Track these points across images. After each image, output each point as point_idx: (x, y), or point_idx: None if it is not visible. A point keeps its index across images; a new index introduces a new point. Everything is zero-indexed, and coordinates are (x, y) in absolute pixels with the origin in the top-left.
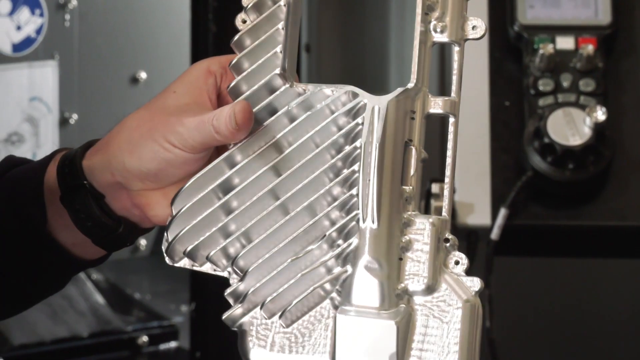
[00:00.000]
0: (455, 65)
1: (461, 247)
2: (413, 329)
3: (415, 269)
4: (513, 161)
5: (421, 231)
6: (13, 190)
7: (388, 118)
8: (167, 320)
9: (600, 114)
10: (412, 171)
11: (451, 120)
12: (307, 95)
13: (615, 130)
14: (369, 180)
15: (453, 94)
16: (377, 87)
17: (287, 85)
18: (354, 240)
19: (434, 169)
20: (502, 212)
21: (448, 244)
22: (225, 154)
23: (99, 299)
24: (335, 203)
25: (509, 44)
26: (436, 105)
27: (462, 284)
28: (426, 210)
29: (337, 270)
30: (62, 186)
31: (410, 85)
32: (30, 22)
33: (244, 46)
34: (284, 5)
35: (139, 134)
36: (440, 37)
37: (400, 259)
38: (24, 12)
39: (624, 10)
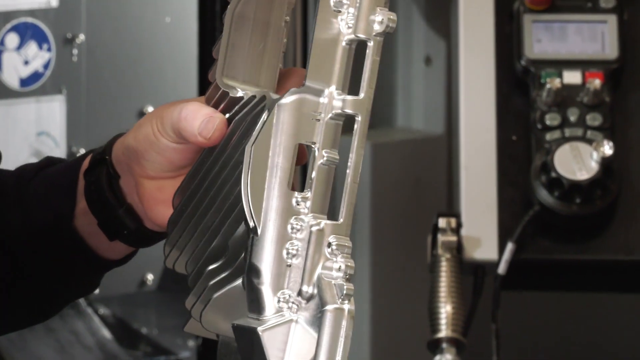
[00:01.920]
0: (366, 63)
1: (468, 282)
2: (287, 336)
3: (298, 276)
4: (520, 195)
5: (305, 236)
6: (47, 186)
7: (272, 121)
8: (174, 355)
9: (607, 149)
10: (313, 174)
11: (357, 119)
12: (237, 107)
13: (622, 165)
14: (244, 185)
15: (362, 93)
16: (383, 122)
17: (222, 90)
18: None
19: (441, 204)
20: (509, 247)
21: (330, 249)
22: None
23: (106, 333)
24: (235, 212)
25: (516, 78)
26: (343, 105)
27: (333, 291)
28: (433, 245)
29: (237, 282)
30: (90, 161)
31: (305, 83)
32: (37, 57)
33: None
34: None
35: (147, 116)
36: (350, 34)
37: (289, 265)
38: (32, 47)
39: (631, 44)
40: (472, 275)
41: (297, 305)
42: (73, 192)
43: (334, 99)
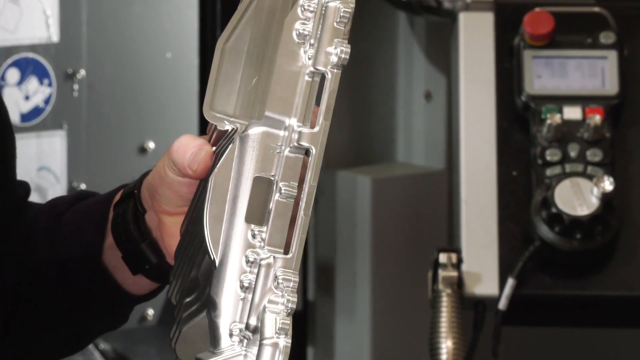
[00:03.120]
0: (323, 95)
1: (468, 317)
2: None
3: (248, 308)
4: (521, 231)
5: (256, 270)
6: (79, 220)
7: (234, 153)
8: None
9: (608, 184)
10: (270, 207)
11: (311, 152)
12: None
13: (622, 200)
14: (205, 214)
15: (317, 126)
16: (383, 157)
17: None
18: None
19: (441, 239)
20: (510, 282)
21: (276, 283)
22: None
23: None
24: (203, 244)
25: (517, 114)
26: (299, 138)
27: (273, 325)
28: (434, 281)
29: (201, 315)
30: (121, 195)
31: (269, 114)
32: (38, 92)
33: None
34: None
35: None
36: (310, 66)
37: (242, 298)
38: (33, 82)
39: (631, 80)
40: (472, 311)
41: (248, 339)
42: (103, 226)
43: (293, 132)
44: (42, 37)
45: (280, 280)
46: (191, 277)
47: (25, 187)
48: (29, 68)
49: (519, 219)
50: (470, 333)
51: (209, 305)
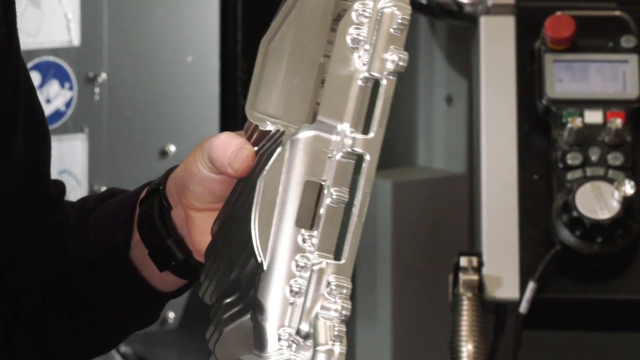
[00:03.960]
0: (378, 101)
1: (489, 321)
2: None
3: (298, 313)
4: (542, 235)
5: (307, 275)
6: (106, 218)
7: (284, 155)
8: None
9: (629, 188)
10: (321, 212)
11: (365, 158)
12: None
13: None
14: (253, 217)
15: (371, 133)
16: (404, 161)
17: (258, 128)
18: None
19: (462, 243)
20: (531, 286)
21: (329, 289)
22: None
23: None
24: (248, 247)
25: (538, 118)
26: (353, 144)
27: (326, 331)
28: (454, 284)
29: (248, 316)
30: (146, 193)
31: (321, 119)
32: (59, 95)
33: None
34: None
35: (196, 146)
36: (364, 71)
37: (291, 303)
38: (54, 86)
39: None
40: (493, 314)
41: (297, 344)
42: (130, 223)
43: (345, 137)
44: (64, 40)
45: (333, 287)
46: (232, 278)
47: (60, 186)
48: (50, 71)
49: (540, 223)
50: (491, 337)
51: (255, 308)
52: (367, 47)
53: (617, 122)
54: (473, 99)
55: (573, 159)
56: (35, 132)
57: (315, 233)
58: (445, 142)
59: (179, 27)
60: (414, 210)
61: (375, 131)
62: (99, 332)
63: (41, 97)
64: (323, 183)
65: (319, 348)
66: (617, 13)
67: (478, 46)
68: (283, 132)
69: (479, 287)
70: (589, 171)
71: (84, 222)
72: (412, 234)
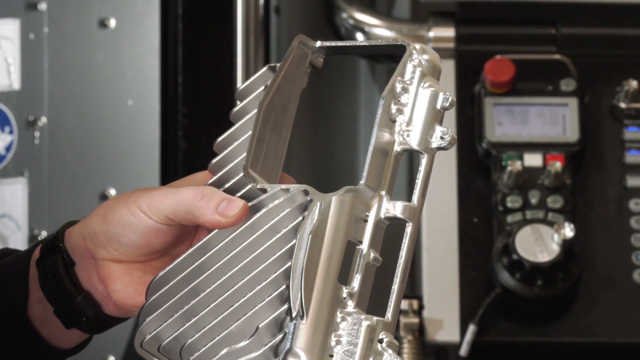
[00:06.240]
0: (419, 174)
1: None
2: None
3: None
4: (482, 277)
5: (355, 329)
6: (1, 277)
7: (328, 214)
8: None
9: (569, 231)
10: (359, 271)
11: (407, 224)
12: (263, 197)
13: (583, 247)
14: (298, 272)
15: (414, 201)
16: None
17: (250, 186)
18: (284, 333)
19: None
20: (471, 329)
21: (382, 345)
22: (199, 243)
23: None
24: (272, 295)
25: (478, 161)
26: (394, 210)
27: None
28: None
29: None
30: (41, 250)
31: (361, 184)
32: None
33: (224, 149)
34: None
35: (116, 200)
36: (405, 144)
37: (331, 355)
38: None
39: (591, 127)
40: (434, 358)
41: None
42: (25, 282)
43: (383, 203)
44: (4, 84)
45: (385, 344)
46: (237, 326)
47: None
48: None
49: (480, 266)
50: None
51: (292, 356)
52: (402, 118)
53: (557, 165)
54: None
55: (513, 202)
56: None
57: (354, 290)
58: None
59: (119, 71)
60: None
61: (418, 200)
62: None
63: None
64: (359, 244)
65: None
66: (557, 57)
67: None
68: (303, 191)
69: (420, 330)
70: (529, 214)
71: None
72: None
